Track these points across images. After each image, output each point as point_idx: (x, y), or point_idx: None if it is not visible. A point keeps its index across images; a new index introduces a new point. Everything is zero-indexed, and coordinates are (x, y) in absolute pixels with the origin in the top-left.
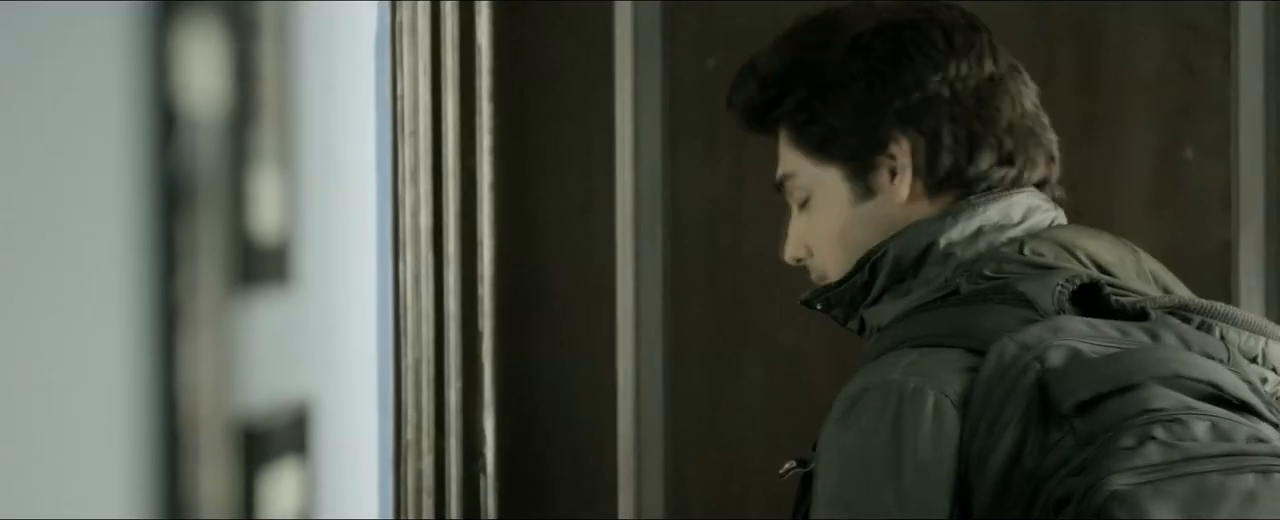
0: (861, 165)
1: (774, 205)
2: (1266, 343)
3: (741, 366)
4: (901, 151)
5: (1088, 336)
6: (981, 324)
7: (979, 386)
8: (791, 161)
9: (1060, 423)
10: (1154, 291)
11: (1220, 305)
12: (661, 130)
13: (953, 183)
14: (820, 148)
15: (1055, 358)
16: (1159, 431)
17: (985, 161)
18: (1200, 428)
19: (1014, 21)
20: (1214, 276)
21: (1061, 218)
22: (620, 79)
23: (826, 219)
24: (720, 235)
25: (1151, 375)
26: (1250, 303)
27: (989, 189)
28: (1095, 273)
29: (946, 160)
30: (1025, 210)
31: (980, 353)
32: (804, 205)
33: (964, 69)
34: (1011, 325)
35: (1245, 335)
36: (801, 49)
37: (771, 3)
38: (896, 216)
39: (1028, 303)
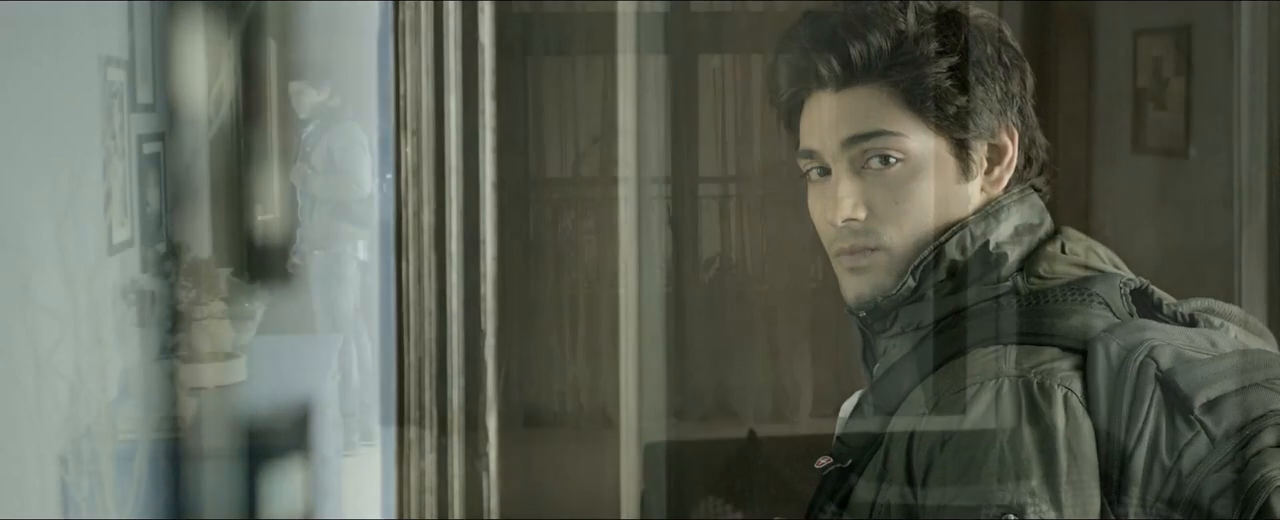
0: (975, 145)
1: (775, 202)
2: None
3: (745, 363)
4: (1012, 144)
5: (1176, 338)
6: (1069, 323)
7: (1096, 384)
8: (898, 121)
9: (1189, 420)
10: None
11: (1236, 309)
12: (664, 128)
13: (1017, 179)
14: (956, 118)
15: (1165, 357)
16: None
17: (1035, 166)
18: None
19: (1018, 19)
20: (1217, 273)
21: None
22: (623, 77)
23: (926, 190)
24: (723, 232)
25: (1255, 377)
26: (1252, 299)
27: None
28: (1132, 275)
29: (1025, 159)
30: (1040, 210)
31: (1073, 351)
32: (887, 166)
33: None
34: (1098, 325)
35: (1247, 335)
36: (945, 25)
37: (772, 2)
38: (976, 200)
39: (1105, 304)
